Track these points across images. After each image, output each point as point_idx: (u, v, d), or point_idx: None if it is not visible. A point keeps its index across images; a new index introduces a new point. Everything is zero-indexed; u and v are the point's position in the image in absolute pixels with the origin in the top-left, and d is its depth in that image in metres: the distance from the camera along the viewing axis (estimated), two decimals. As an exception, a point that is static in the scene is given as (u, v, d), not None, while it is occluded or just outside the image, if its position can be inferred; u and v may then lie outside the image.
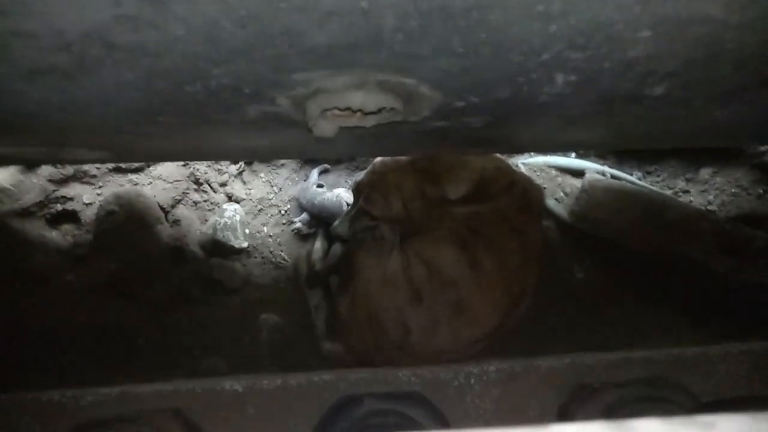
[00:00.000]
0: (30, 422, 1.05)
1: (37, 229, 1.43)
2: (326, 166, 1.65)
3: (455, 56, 0.44)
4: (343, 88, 0.50)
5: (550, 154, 1.64)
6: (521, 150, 1.53)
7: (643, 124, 0.72)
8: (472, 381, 1.13)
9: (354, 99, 0.51)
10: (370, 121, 0.57)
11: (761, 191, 1.62)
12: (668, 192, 1.64)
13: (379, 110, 0.53)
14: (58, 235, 1.45)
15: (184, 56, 0.43)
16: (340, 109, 0.52)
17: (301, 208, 1.59)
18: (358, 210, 1.39)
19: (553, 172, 1.65)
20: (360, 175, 1.46)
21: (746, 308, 1.39)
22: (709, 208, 1.62)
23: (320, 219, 1.54)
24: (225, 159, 1.51)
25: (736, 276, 1.44)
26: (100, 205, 1.44)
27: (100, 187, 1.48)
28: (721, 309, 1.42)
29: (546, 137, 0.88)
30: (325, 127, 0.55)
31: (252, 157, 1.42)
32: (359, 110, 0.52)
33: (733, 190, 1.63)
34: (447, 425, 1.07)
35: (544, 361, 1.15)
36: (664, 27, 0.42)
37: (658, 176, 1.69)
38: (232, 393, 1.10)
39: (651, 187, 1.62)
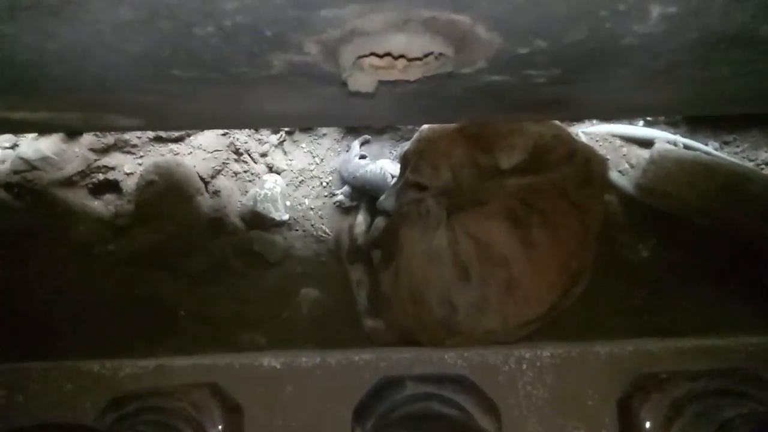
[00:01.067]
0: (71, 390, 1.05)
1: (79, 198, 1.42)
2: (367, 137, 1.58)
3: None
4: (381, 29, 0.42)
5: (615, 122, 1.49)
6: (587, 116, 1.40)
7: (742, 78, 0.60)
8: (524, 366, 1.05)
9: (395, 41, 0.43)
10: (414, 73, 0.48)
11: None
12: (749, 164, 1.47)
13: (426, 56, 0.44)
14: (100, 205, 1.44)
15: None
16: (378, 56, 0.44)
17: (343, 181, 1.52)
18: (404, 182, 1.31)
19: (618, 141, 1.51)
20: (406, 145, 1.38)
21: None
22: (795, 182, 1.44)
23: (363, 192, 1.47)
24: (259, 126, 1.45)
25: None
26: (141, 175, 1.41)
27: (141, 156, 1.46)
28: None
29: (619, 98, 0.77)
30: (362, 81, 0.47)
31: (287, 123, 1.35)
32: (401, 56, 0.43)
33: (824, 164, 1.45)
34: (497, 414, 0.99)
35: (604, 347, 1.06)
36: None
37: (737, 147, 1.52)
38: (270, 369, 1.06)
39: (730, 158, 1.45)
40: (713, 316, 1.30)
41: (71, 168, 1.39)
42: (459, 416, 0.96)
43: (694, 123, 1.54)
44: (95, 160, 1.42)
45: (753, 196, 1.33)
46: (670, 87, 0.71)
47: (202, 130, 1.44)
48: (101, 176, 1.43)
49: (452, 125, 1.32)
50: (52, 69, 0.50)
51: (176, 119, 0.92)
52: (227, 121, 1.01)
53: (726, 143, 1.53)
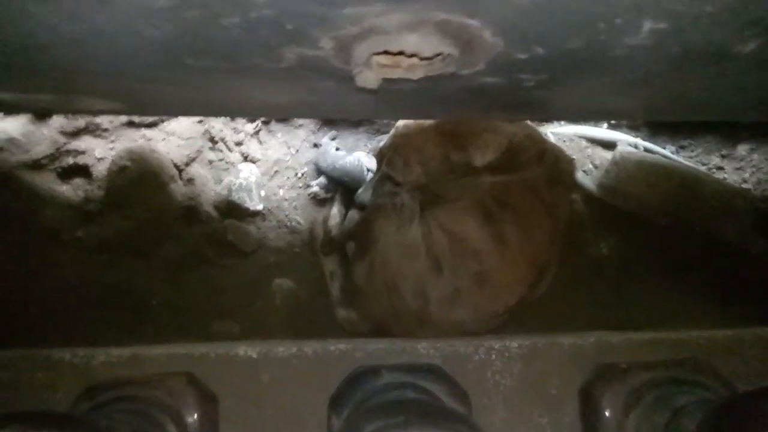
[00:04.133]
0: (41, 379, 1.03)
1: (47, 182, 1.38)
2: (335, 132, 1.59)
3: (537, -9, 0.38)
4: (397, 29, 0.44)
5: (582, 124, 1.56)
6: (558, 117, 1.46)
7: (709, 90, 0.66)
8: (493, 356, 1.09)
9: (408, 41, 0.45)
10: (417, 72, 0.51)
11: (800, 171, 1.54)
12: (702, 168, 1.57)
13: (434, 57, 0.47)
14: (69, 190, 1.41)
15: (224, -22, 0.37)
16: (391, 54, 0.46)
17: (320, 172, 1.53)
18: (381, 176, 1.33)
19: (583, 142, 1.57)
20: (381, 139, 1.40)
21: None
22: (744, 186, 1.55)
23: (340, 183, 1.49)
24: (247, 115, 1.44)
25: (770, 258, 1.39)
26: (113, 161, 1.39)
27: (112, 141, 1.43)
28: (752, 291, 1.37)
29: (592, 103, 0.82)
30: (369, 77, 0.49)
31: (274, 113, 1.35)
32: (413, 55, 0.46)
33: (770, 169, 1.56)
34: (467, 401, 1.03)
35: (568, 339, 1.11)
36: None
37: (692, 151, 1.61)
38: (247, 359, 1.07)
39: (685, 161, 1.54)
40: (669, 310, 1.39)
41: (39, 150, 1.35)
42: (432, 402, 0.99)
43: (654, 127, 1.62)
44: (65, 144, 1.38)
45: (705, 197, 1.43)
46: (642, 95, 0.76)
47: (184, 116, 1.42)
48: (71, 160, 1.39)
49: (428, 122, 1.35)
50: (58, 52, 0.50)
51: (160, 104, 0.92)
52: (214, 109, 1.01)
53: (682, 147, 1.62)
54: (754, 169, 1.57)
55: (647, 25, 0.44)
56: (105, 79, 0.60)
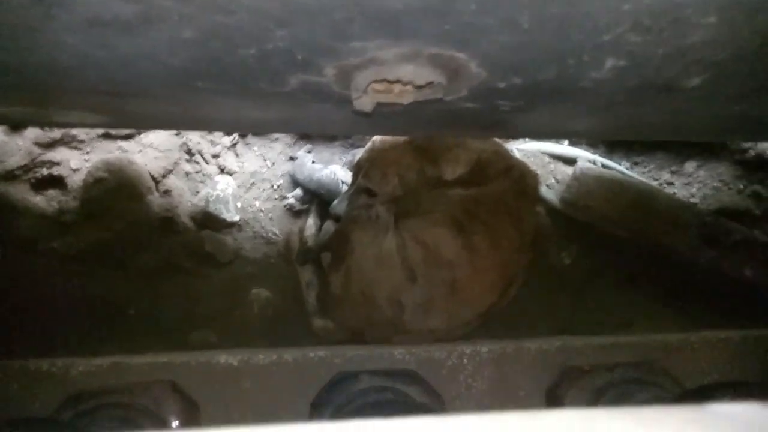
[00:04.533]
0: (18, 390, 1.02)
1: (20, 193, 1.37)
2: (310, 146, 1.64)
3: (518, 32, 0.44)
4: (394, 60, 0.49)
5: (545, 141, 1.65)
6: (524, 136, 1.55)
7: (661, 115, 0.74)
8: (465, 361, 1.15)
9: (405, 71, 0.50)
10: (407, 98, 0.57)
11: (741, 186, 1.67)
12: (654, 183, 1.68)
13: (425, 86, 0.52)
14: (43, 201, 1.40)
15: (251, 14, 0.41)
16: (390, 81, 0.51)
17: (296, 184, 1.57)
18: (356, 188, 1.38)
19: (546, 158, 1.67)
20: (357, 152, 1.45)
21: (725, 298, 1.45)
22: (692, 200, 1.67)
23: (316, 195, 1.53)
24: (236, 130, 1.48)
25: (716, 267, 1.50)
26: (89, 171, 1.39)
27: (87, 152, 1.44)
28: (701, 298, 1.48)
29: (557, 124, 0.89)
30: (365, 102, 0.54)
31: (263, 129, 1.39)
32: (409, 83, 0.51)
33: (715, 184, 1.68)
34: (441, 403, 1.09)
35: (534, 343, 1.18)
36: (732, 13, 0.43)
37: (645, 167, 1.73)
38: (227, 367, 1.09)
39: (639, 177, 1.66)
40: (627, 316, 1.48)
41: (13, 161, 1.35)
42: (409, 403, 1.04)
43: (610, 145, 1.73)
44: (40, 155, 1.38)
45: (657, 211, 1.54)
46: (602, 118, 0.84)
47: (167, 129, 1.43)
48: (45, 171, 1.39)
49: (402, 137, 1.41)
50: (79, 73, 0.53)
51: (148, 119, 0.94)
52: (200, 124, 1.04)
53: (635, 164, 1.73)
54: (700, 185, 1.70)
55: (610, 62, 0.51)
56: (100, 96, 0.63)
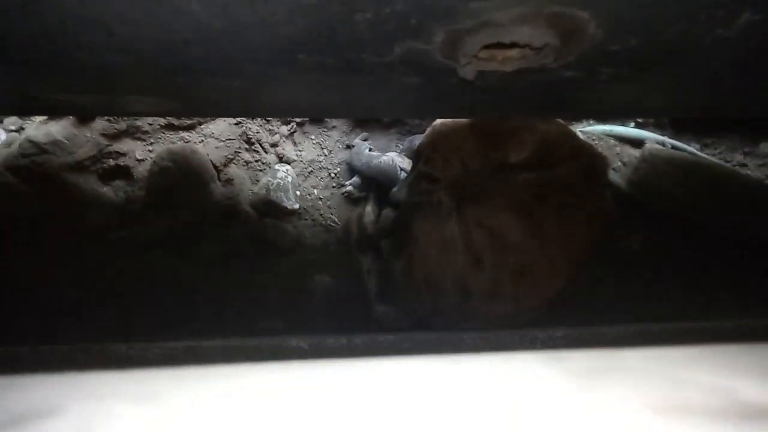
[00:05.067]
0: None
1: (90, 183, 1.41)
2: (366, 134, 1.63)
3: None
4: (509, 21, 0.47)
5: (610, 123, 1.60)
6: (589, 116, 1.50)
7: (743, 87, 0.69)
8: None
9: (521, 33, 0.48)
10: (511, 65, 0.54)
11: (821, 167, 1.58)
12: (727, 165, 1.60)
13: (541, 48, 0.50)
14: (110, 191, 1.43)
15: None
16: (504, 46, 0.49)
17: (353, 171, 1.56)
18: (417, 174, 1.36)
19: (612, 141, 1.61)
20: (418, 139, 1.43)
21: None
22: (767, 182, 1.58)
23: (375, 182, 1.52)
24: (299, 115, 1.47)
25: (798, 252, 1.42)
26: (154, 161, 1.41)
27: (151, 143, 1.46)
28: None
29: (647, 98, 0.85)
30: (469, 69, 0.52)
31: (329, 113, 1.38)
32: (526, 45, 0.49)
33: (792, 165, 1.60)
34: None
35: (611, 329, 1.14)
36: None
37: (716, 149, 1.65)
38: (298, 350, 1.09)
39: (712, 158, 1.58)
40: (696, 303, 1.42)
41: (82, 153, 1.38)
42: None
43: (679, 127, 1.66)
44: (107, 146, 1.41)
45: (732, 193, 1.46)
46: (693, 90, 0.79)
47: (235, 117, 1.45)
48: (112, 162, 1.42)
49: (463, 120, 1.38)
50: (171, 49, 0.53)
51: (220, 105, 0.94)
52: (268, 109, 1.03)
53: (706, 145, 1.65)
54: (776, 166, 1.61)
55: (746, 15, 0.47)
56: (180, 75, 0.62)
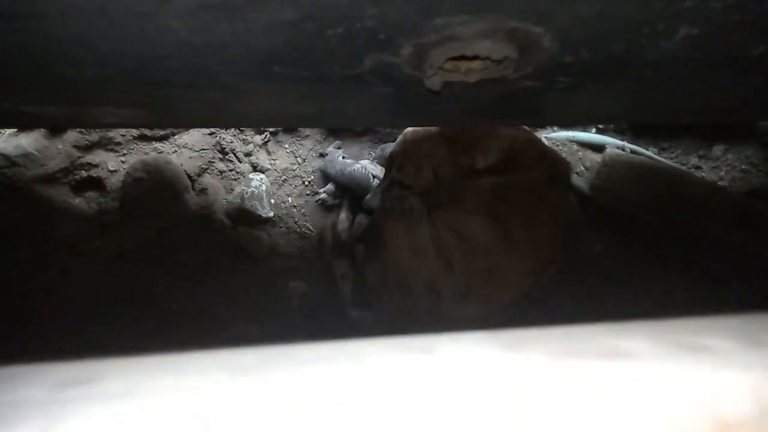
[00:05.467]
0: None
1: (61, 195, 1.40)
2: (340, 142, 1.66)
3: (600, 0, 0.45)
4: (471, 36, 0.51)
5: (573, 129, 1.66)
6: (553, 123, 1.56)
7: (717, 92, 0.75)
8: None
9: (482, 46, 0.52)
10: (474, 76, 0.58)
11: (770, 168, 1.67)
12: (682, 168, 1.68)
13: (500, 61, 0.54)
14: (83, 202, 1.43)
15: (351, -9, 0.43)
16: (467, 58, 0.53)
17: (327, 179, 1.59)
18: (390, 181, 1.39)
19: (575, 146, 1.68)
20: (389, 147, 1.47)
21: (758, 280, 1.45)
22: (721, 183, 1.67)
23: (348, 189, 1.55)
24: (274, 125, 1.49)
25: (748, 248, 1.50)
26: (127, 172, 1.42)
27: (124, 154, 1.46)
28: (734, 280, 1.48)
29: (604, 106, 0.90)
30: (436, 81, 0.56)
31: (305, 123, 1.41)
32: (486, 58, 0.53)
33: (743, 167, 1.69)
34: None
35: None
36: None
37: (672, 152, 1.73)
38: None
39: (669, 162, 1.66)
40: (656, 300, 1.48)
41: (54, 165, 1.37)
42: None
43: (637, 131, 1.74)
44: (79, 157, 1.41)
45: (688, 195, 1.54)
46: (651, 98, 0.84)
47: (207, 128, 1.46)
48: (84, 173, 1.42)
49: (433, 129, 1.43)
50: (164, 63, 0.55)
51: (194, 116, 0.96)
52: (244, 119, 1.05)
53: (663, 149, 1.74)
54: (729, 168, 1.70)
55: (683, 31, 0.52)
56: (154, 89, 0.64)
